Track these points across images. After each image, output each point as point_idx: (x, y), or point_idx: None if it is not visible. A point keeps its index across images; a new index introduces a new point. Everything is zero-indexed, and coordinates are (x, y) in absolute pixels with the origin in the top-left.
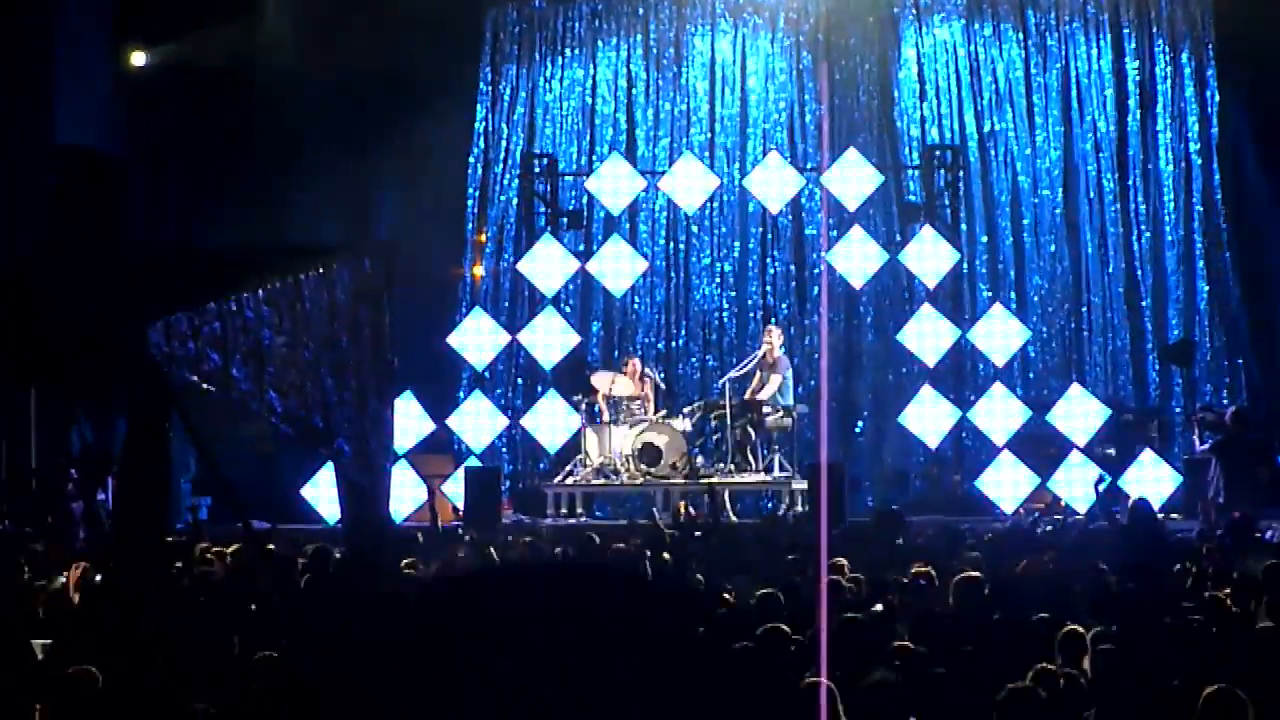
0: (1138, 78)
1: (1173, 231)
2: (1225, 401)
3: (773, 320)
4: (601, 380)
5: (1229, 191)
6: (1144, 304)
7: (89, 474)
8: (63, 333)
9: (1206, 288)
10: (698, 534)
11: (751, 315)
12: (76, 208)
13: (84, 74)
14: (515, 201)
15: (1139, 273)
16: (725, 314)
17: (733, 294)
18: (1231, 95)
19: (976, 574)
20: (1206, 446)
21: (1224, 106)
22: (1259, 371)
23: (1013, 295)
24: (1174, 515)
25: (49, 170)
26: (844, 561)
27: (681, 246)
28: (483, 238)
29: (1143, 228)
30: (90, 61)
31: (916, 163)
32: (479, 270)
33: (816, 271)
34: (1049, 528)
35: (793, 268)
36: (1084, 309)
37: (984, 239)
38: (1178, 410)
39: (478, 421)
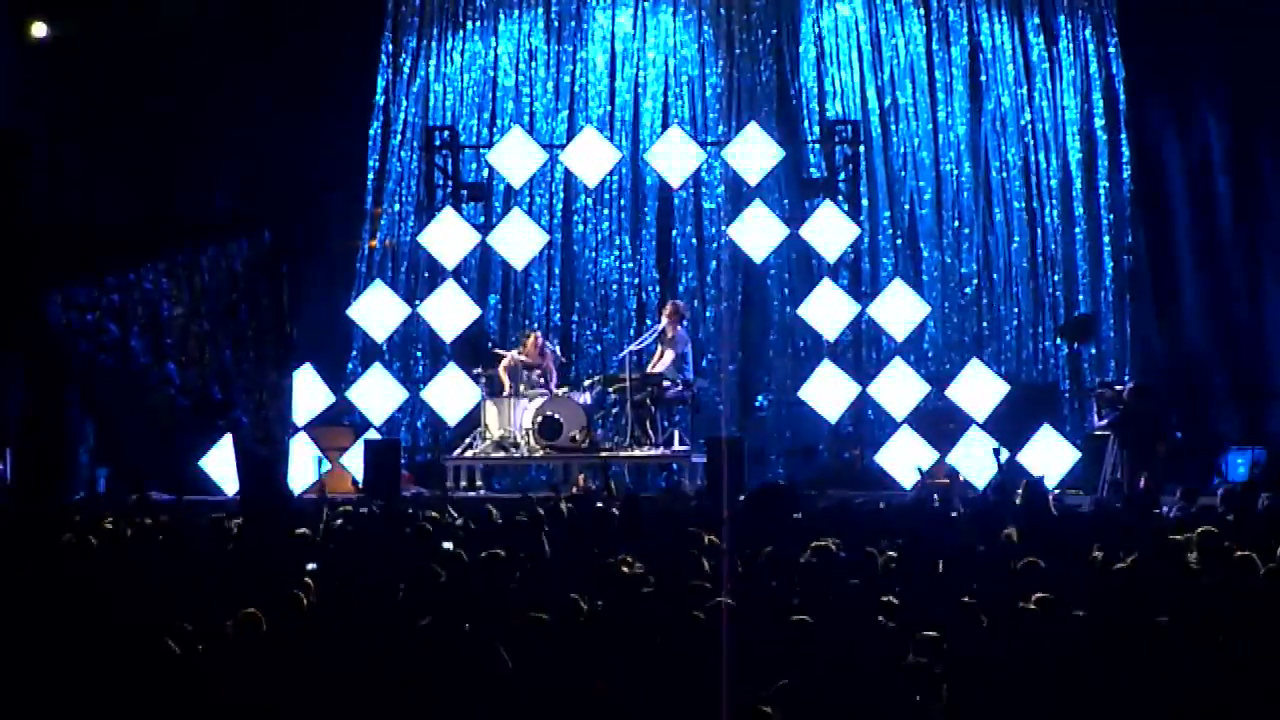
0: (1042, 52)
1: (1080, 206)
2: (1126, 377)
3: (677, 295)
4: (502, 353)
5: (1135, 166)
6: (1048, 279)
7: None
8: None
9: (1111, 263)
10: (598, 506)
11: (650, 289)
12: None
13: None
14: (416, 174)
15: (1043, 248)
16: (624, 288)
17: (632, 268)
18: (1135, 69)
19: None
20: (1105, 422)
21: (1128, 80)
22: (1160, 347)
23: (913, 271)
24: (1073, 491)
25: None
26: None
27: (581, 220)
28: (380, 210)
29: (1052, 201)
30: None
31: (817, 138)
32: (380, 243)
33: (715, 246)
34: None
35: (693, 241)
36: (986, 284)
37: (885, 214)
38: (1065, 386)
39: (378, 394)
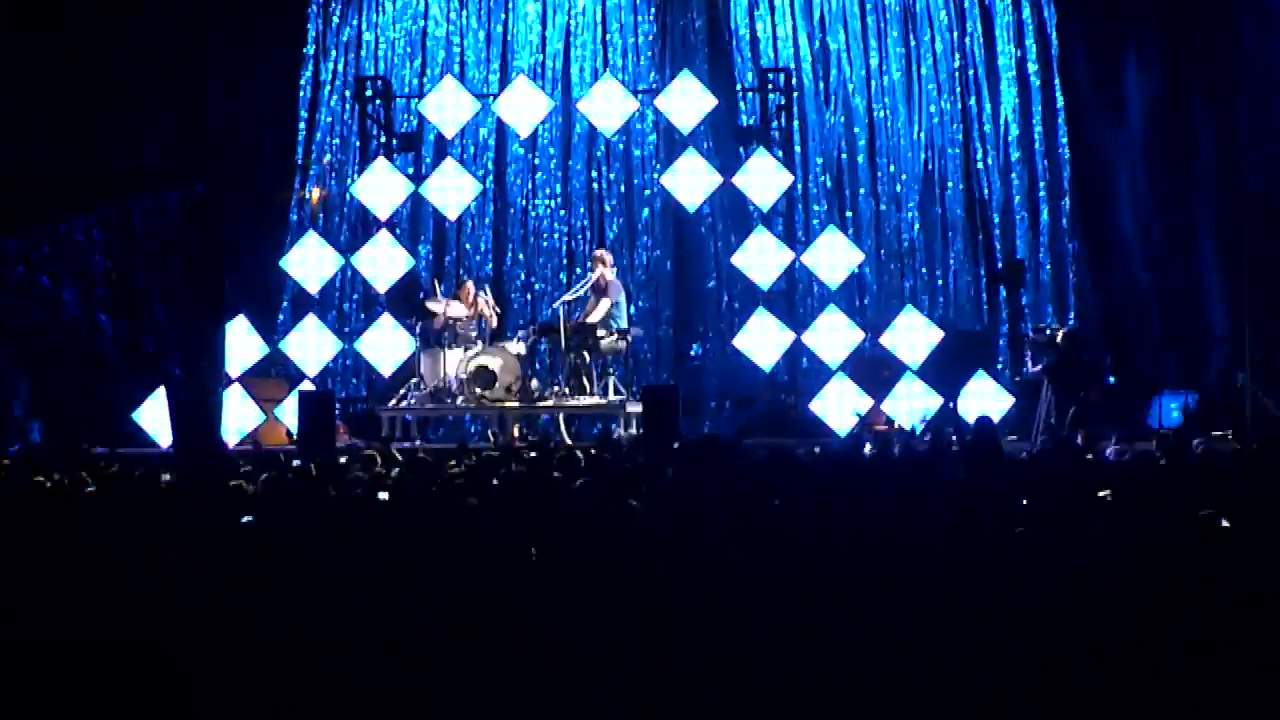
0: None
1: (1016, 151)
2: (1059, 323)
3: (605, 244)
4: (436, 304)
5: (1069, 111)
6: (983, 226)
7: None
8: None
9: (1046, 210)
10: (531, 455)
11: (582, 238)
12: None
13: None
14: (348, 124)
15: (978, 194)
16: (557, 237)
17: (564, 216)
18: (1066, 13)
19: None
20: (1038, 368)
21: (1060, 25)
22: (1094, 293)
23: (849, 216)
24: (1010, 437)
25: None
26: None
27: (513, 170)
28: (313, 160)
29: (986, 147)
30: None
31: (750, 85)
32: (313, 193)
33: (647, 193)
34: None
35: (623, 189)
36: (921, 231)
37: (819, 161)
38: (1001, 332)
39: (311, 346)
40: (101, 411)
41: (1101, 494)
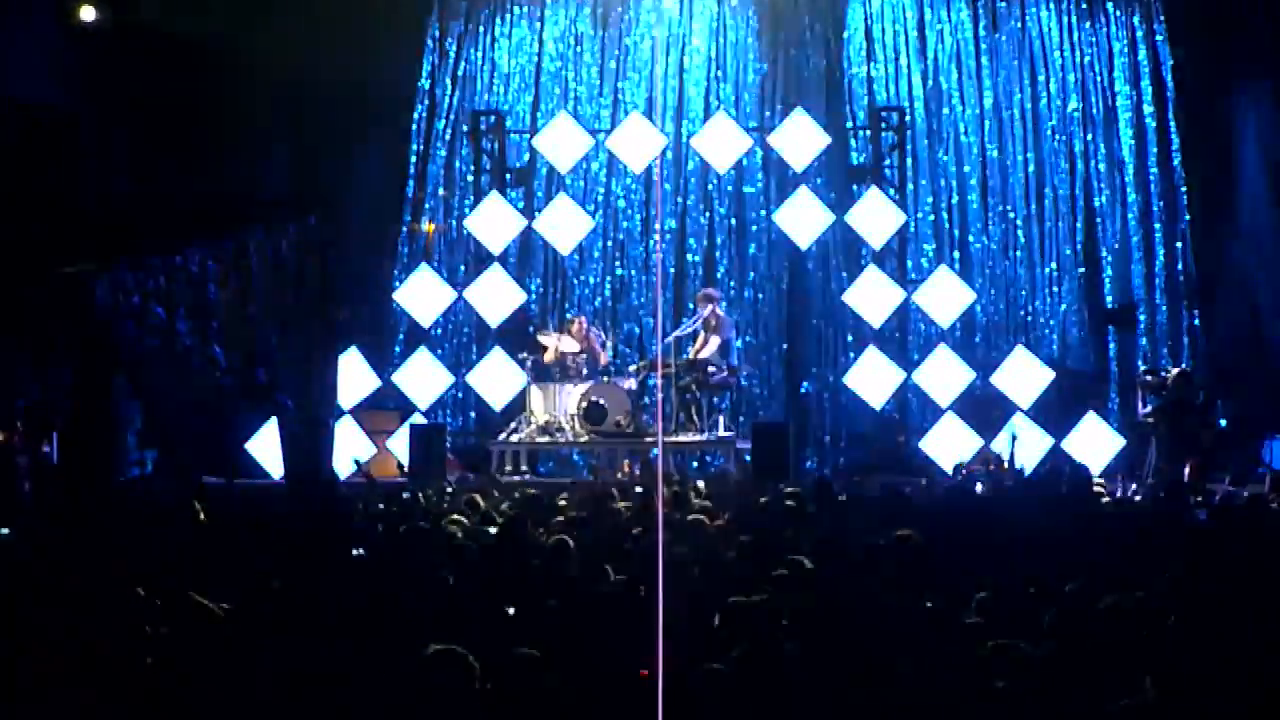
0: (1091, 39)
1: (1132, 192)
2: (1174, 364)
3: (715, 281)
4: (547, 338)
5: (1185, 153)
6: (1096, 266)
7: (34, 427)
8: (9, 285)
9: (1163, 251)
10: (639, 490)
11: (693, 274)
12: (26, 161)
13: (32, 28)
14: (462, 157)
15: (1091, 234)
16: (668, 274)
17: (676, 253)
18: (1183, 56)
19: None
20: (1150, 410)
21: (1176, 67)
22: (1205, 334)
23: (958, 256)
24: (1098, 482)
25: None
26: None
27: (625, 205)
28: (426, 193)
29: (1100, 187)
30: (38, 15)
31: (864, 124)
32: (426, 227)
33: (756, 229)
34: (983, 486)
35: (736, 226)
36: (1033, 271)
37: (931, 200)
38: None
39: (423, 378)
40: (215, 442)
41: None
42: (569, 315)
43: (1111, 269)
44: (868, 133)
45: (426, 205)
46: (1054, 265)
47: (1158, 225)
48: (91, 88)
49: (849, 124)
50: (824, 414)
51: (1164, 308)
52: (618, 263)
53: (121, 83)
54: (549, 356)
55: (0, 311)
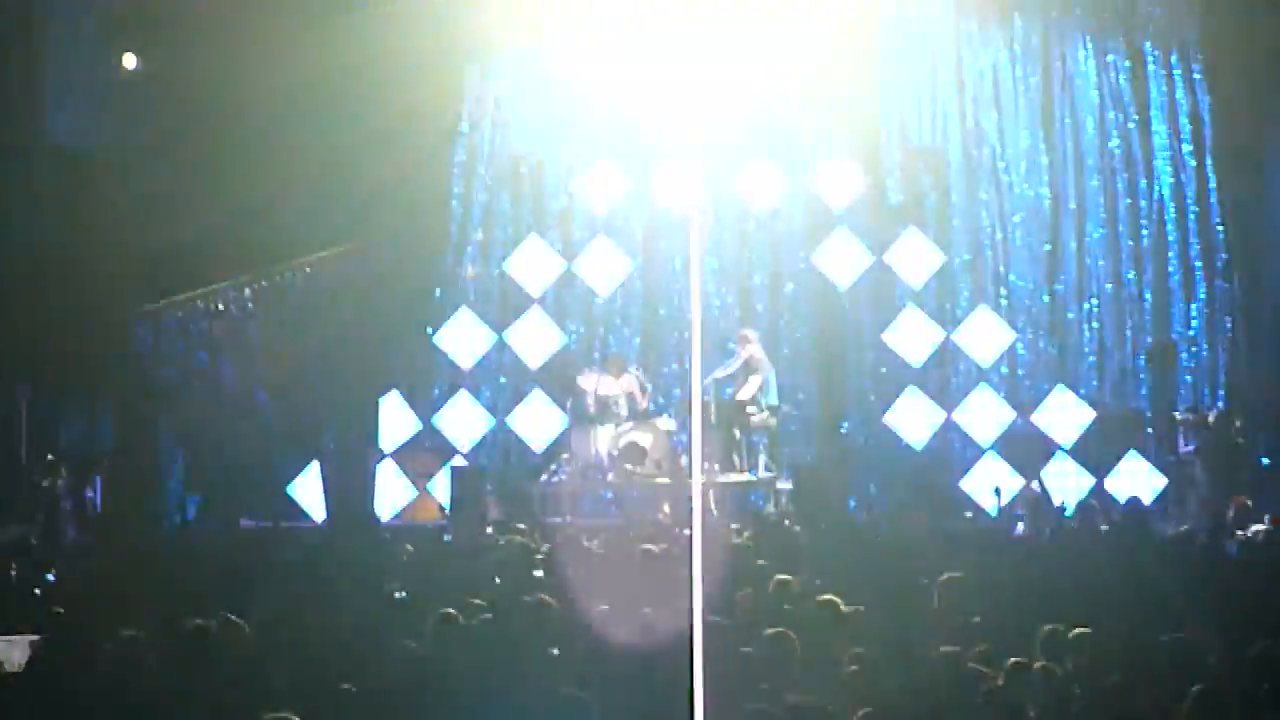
0: (1128, 79)
1: (1173, 230)
2: (1209, 403)
3: (756, 322)
4: (587, 380)
5: (1223, 192)
6: (1133, 304)
7: (78, 471)
8: (54, 330)
9: (1203, 289)
10: (685, 531)
11: (732, 315)
12: (68, 206)
13: (76, 75)
14: (501, 200)
15: (1128, 273)
16: (713, 313)
17: (714, 292)
18: (1221, 97)
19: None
20: (1191, 449)
21: (1214, 106)
22: (1246, 372)
23: (999, 296)
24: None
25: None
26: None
27: (663, 246)
28: (470, 237)
29: (1139, 226)
30: (83, 63)
31: (903, 165)
32: (466, 270)
33: (801, 269)
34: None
35: (777, 265)
36: (1071, 310)
37: (970, 240)
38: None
39: (464, 421)
40: (258, 485)
41: None
42: (608, 357)
43: (1151, 307)
44: (906, 173)
45: (466, 248)
46: (1094, 303)
47: (1198, 264)
48: (133, 132)
49: (886, 164)
50: (863, 454)
51: (1203, 346)
52: (656, 304)
53: (164, 129)
54: (589, 399)
55: (44, 356)
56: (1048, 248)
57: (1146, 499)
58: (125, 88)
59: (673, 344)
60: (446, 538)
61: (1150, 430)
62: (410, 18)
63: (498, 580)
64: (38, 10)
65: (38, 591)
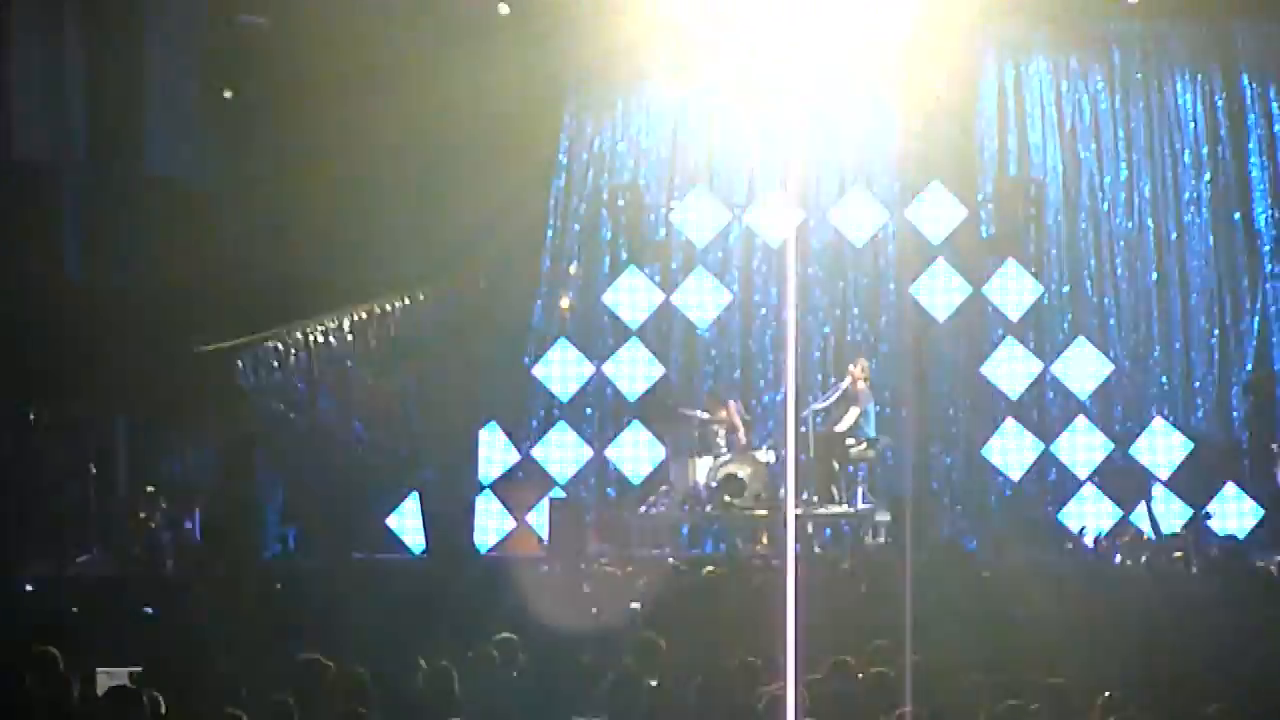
0: (1225, 110)
1: (1270, 262)
2: None
3: (862, 353)
4: (685, 411)
5: None
6: (1234, 335)
7: (177, 502)
8: (154, 361)
9: None
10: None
11: (829, 346)
12: (167, 238)
13: (175, 106)
14: (602, 233)
15: (1229, 303)
16: (806, 345)
17: (812, 324)
18: None
19: None
20: None
21: None
22: None
23: (1095, 325)
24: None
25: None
26: None
27: (761, 277)
28: (573, 270)
29: (1238, 257)
30: (183, 95)
31: (1000, 196)
32: (564, 302)
33: (893, 301)
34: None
35: (875, 296)
36: (1170, 341)
37: (1068, 272)
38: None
39: (563, 452)
40: (357, 516)
41: None
42: (707, 388)
43: (1251, 338)
44: (1004, 204)
45: (564, 280)
46: (1193, 335)
47: None
48: (231, 166)
49: (979, 195)
50: (961, 486)
51: None
52: (754, 335)
53: (261, 160)
54: (688, 430)
55: (145, 389)
56: (1155, 277)
57: (1244, 530)
58: (225, 120)
59: (772, 376)
60: (544, 568)
61: (1248, 461)
62: (507, 52)
63: (595, 611)
64: (140, 42)
65: (136, 623)
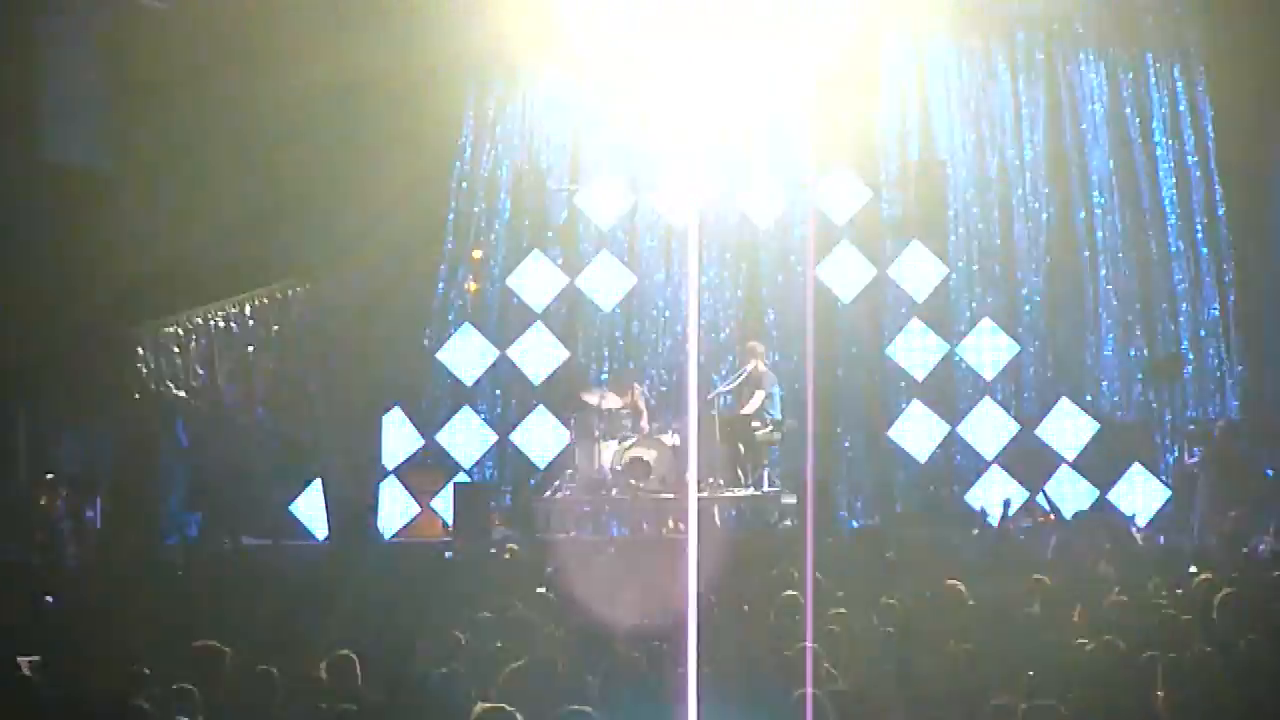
0: (1131, 90)
1: (1177, 241)
2: (1215, 415)
3: (758, 335)
4: (591, 396)
5: (1229, 202)
6: (1139, 316)
7: (78, 491)
8: (52, 349)
9: (1213, 300)
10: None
11: (732, 329)
12: (64, 223)
13: (72, 93)
14: (505, 216)
15: (1135, 284)
16: (712, 328)
17: (718, 308)
18: (1225, 108)
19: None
20: (1195, 460)
21: (1217, 117)
22: (1252, 383)
23: (1005, 306)
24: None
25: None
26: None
27: (666, 260)
28: (476, 255)
29: (1145, 237)
30: (79, 78)
31: (905, 178)
32: (469, 285)
33: (799, 283)
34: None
35: (780, 278)
36: (1076, 322)
37: (973, 252)
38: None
39: (467, 437)
40: (259, 503)
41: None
42: (612, 372)
43: (1156, 318)
44: (909, 186)
45: (468, 264)
46: (1099, 315)
47: (1207, 276)
48: (129, 150)
49: (883, 177)
50: (866, 467)
51: (1210, 356)
52: (659, 319)
53: (159, 144)
54: (593, 414)
55: (42, 375)
56: (1053, 259)
57: (1151, 512)
58: (121, 104)
59: (677, 359)
60: (448, 554)
61: (1155, 442)
62: (410, 35)
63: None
64: (36, 27)
65: (36, 612)
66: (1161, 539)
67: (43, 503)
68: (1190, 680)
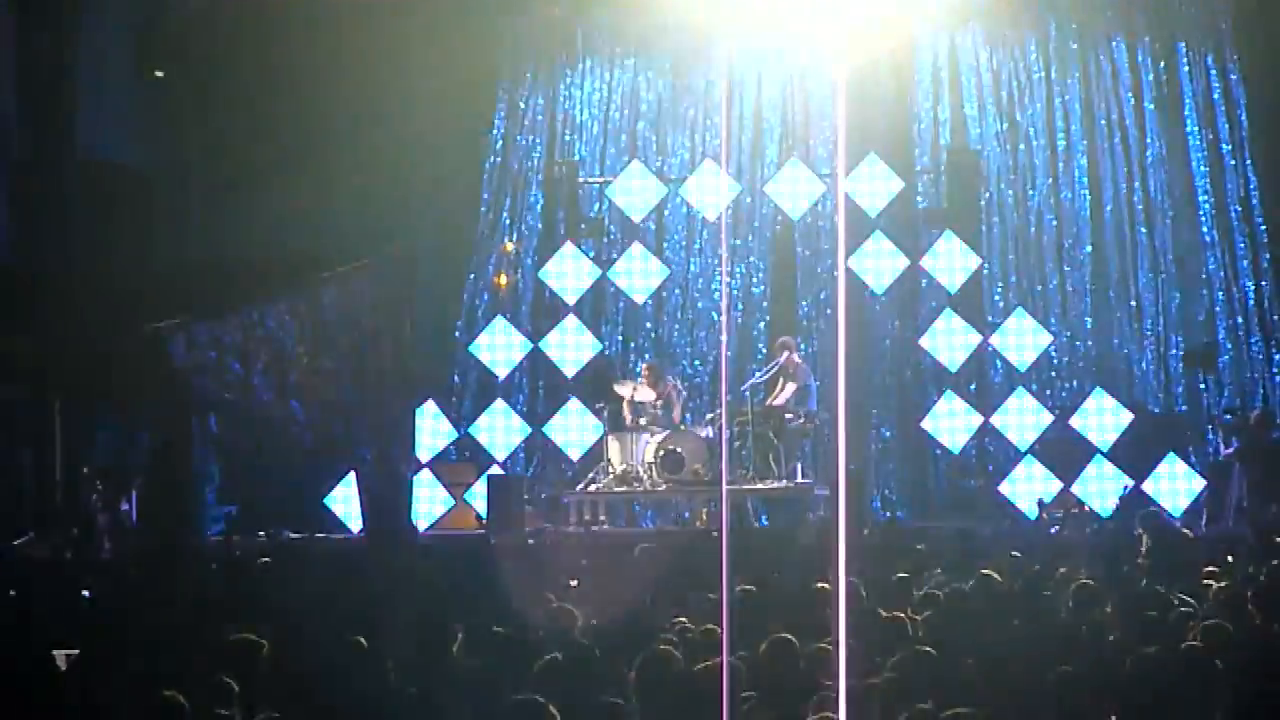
0: (1163, 79)
1: (1212, 230)
2: (1252, 405)
3: (793, 327)
4: (624, 388)
5: (1265, 190)
6: (1175, 306)
7: (113, 485)
8: (88, 344)
9: (1253, 288)
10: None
11: (769, 321)
12: (100, 221)
13: (107, 88)
14: (537, 209)
15: (1170, 273)
16: (755, 322)
17: (753, 299)
18: (1259, 93)
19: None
20: (1231, 450)
21: (1251, 105)
22: None
23: (1037, 297)
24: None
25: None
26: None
27: (699, 252)
28: (508, 247)
29: (1179, 227)
30: (114, 76)
31: (937, 168)
32: (501, 279)
33: (836, 275)
34: (1062, 531)
35: (818, 271)
36: (1110, 312)
37: (1006, 243)
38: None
39: (500, 430)
40: (294, 496)
41: None
42: (645, 363)
43: (1192, 309)
44: (943, 177)
45: (494, 256)
46: (1133, 305)
47: (1242, 264)
48: (165, 143)
49: (917, 167)
50: (898, 458)
51: (1248, 346)
52: (692, 311)
53: (195, 138)
54: (626, 406)
55: (78, 370)
56: (1088, 249)
57: (1186, 502)
58: (158, 102)
59: (710, 351)
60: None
61: (1191, 433)
62: (443, 28)
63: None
64: (68, 26)
65: (73, 606)
66: (1198, 530)
67: (78, 496)
68: (1226, 676)
